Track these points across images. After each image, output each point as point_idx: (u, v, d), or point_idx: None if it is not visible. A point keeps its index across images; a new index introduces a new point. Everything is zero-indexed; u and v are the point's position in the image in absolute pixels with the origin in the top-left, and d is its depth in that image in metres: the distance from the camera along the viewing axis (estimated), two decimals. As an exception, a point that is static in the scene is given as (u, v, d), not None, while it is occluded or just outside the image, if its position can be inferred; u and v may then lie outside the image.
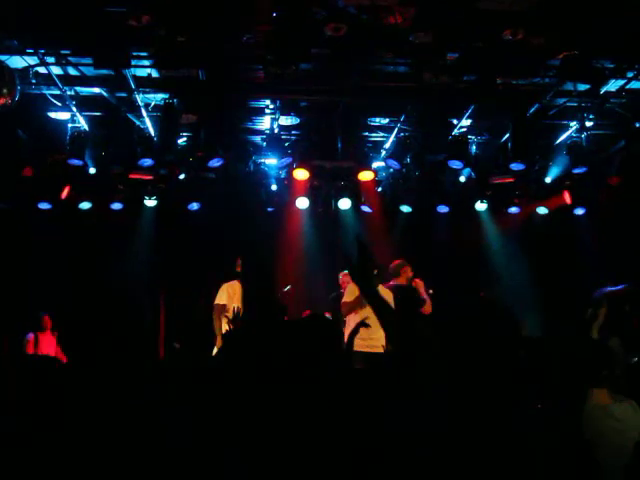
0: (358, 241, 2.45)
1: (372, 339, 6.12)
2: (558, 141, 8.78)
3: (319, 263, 9.66)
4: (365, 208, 9.82)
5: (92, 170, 8.47)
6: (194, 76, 7.23)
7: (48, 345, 8.21)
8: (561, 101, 7.88)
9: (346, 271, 7.86)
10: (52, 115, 8.12)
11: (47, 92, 7.46)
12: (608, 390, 2.88)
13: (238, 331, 2.05)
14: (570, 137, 8.56)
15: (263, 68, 6.93)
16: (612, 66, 6.93)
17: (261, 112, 8.47)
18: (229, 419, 1.86)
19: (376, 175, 9.40)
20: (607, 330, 5.91)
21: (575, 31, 6.16)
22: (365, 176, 9.13)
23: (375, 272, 7.14)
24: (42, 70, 7.01)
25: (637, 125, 8.00)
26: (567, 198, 9.52)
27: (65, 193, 9.02)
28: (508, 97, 7.64)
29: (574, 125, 8.40)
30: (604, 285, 6.52)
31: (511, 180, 8.95)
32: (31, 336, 8.33)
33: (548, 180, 9.12)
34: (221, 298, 7.37)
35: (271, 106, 8.15)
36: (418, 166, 8.95)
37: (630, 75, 7.12)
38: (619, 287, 6.59)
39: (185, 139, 8.80)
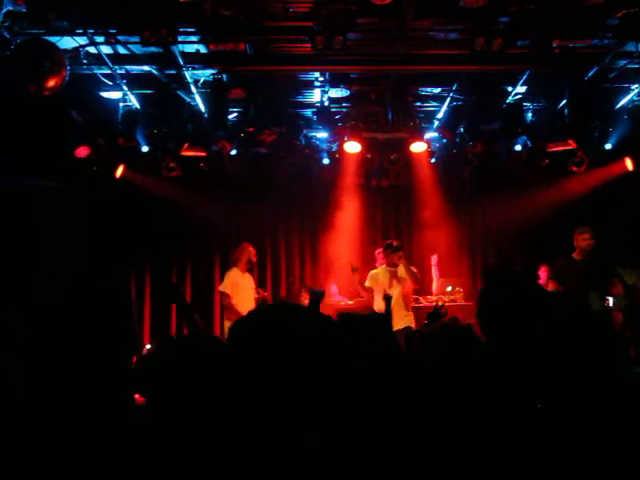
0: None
1: None
2: (619, 105, 8.47)
3: (372, 235, 10.01)
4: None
5: (145, 148, 8.59)
6: (241, 51, 7.25)
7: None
8: (622, 63, 7.54)
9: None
10: (104, 95, 8.22)
11: (98, 72, 7.50)
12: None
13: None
14: (632, 101, 8.33)
15: (310, 40, 6.76)
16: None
17: (310, 85, 8.44)
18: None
19: (429, 146, 9.31)
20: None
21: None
22: (417, 147, 9.04)
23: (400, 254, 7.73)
24: (92, 50, 7.05)
25: None
26: (629, 164, 9.22)
27: (120, 172, 9.20)
28: (565, 61, 7.49)
29: (636, 88, 8.12)
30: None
31: (570, 147, 8.67)
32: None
33: (608, 146, 8.84)
34: (225, 286, 8.09)
35: (320, 79, 8.11)
36: (472, 136, 8.79)
37: (695, 33, 6.70)
38: None
39: (235, 114, 8.86)
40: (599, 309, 6.65)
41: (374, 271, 8.07)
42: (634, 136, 8.53)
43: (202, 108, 8.44)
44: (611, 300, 6.82)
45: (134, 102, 8.28)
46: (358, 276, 8.02)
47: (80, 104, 7.94)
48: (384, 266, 7.97)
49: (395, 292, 7.62)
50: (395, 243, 7.91)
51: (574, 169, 9.02)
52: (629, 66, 7.62)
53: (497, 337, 2.23)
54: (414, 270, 7.90)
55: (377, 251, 8.82)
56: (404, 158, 9.50)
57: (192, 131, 8.57)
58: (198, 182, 9.47)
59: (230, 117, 8.70)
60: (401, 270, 7.78)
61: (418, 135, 8.96)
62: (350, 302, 9.02)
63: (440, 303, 5.62)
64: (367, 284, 7.89)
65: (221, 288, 8.19)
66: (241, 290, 8.05)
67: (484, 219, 10.39)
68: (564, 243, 7.97)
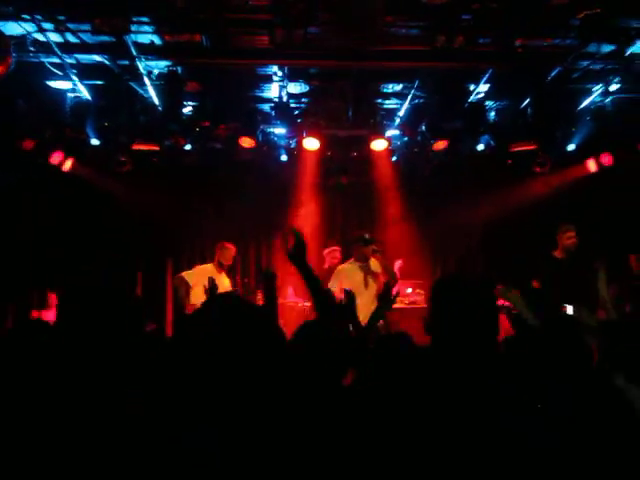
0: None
1: None
2: (581, 106, 8.60)
3: (330, 235, 10.05)
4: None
5: (95, 141, 8.48)
6: (198, 42, 7.14)
7: (53, 324, 8.20)
8: (584, 64, 7.62)
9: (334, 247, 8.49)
10: (52, 85, 8.09)
11: (46, 60, 7.30)
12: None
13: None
14: (594, 102, 8.45)
15: (269, 33, 6.82)
16: (639, 26, 6.68)
17: (269, 79, 8.35)
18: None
19: (390, 144, 9.31)
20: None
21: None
22: (378, 145, 9.05)
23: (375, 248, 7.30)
24: (40, 37, 6.88)
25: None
26: (592, 166, 9.40)
27: (68, 165, 9.04)
28: (527, 60, 7.52)
29: (598, 89, 8.21)
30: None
31: (532, 147, 8.80)
32: (34, 315, 8.38)
33: (571, 147, 8.99)
34: (190, 275, 7.85)
35: (279, 73, 8.02)
36: (434, 134, 8.86)
37: (659, 36, 6.80)
38: None
39: (191, 108, 8.80)
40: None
41: (342, 267, 7.47)
42: (596, 137, 8.68)
43: (156, 101, 8.33)
44: (569, 308, 6.70)
45: (84, 93, 8.15)
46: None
47: (27, 94, 7.80)
48: (352, 261, 7.46)
49: (371, 291, 7.14)
50: (367, 235, 7.44)
51: (537, 170, 9.12)
52: (591, 67, 7.69)
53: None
54: (388, 265, 7.49)
55: (326, 251, 8.66)
56: (364, 156, 9.54)
57: (145, 125, 8.51)
58: (150, 178, 9.41)
59: (185, 111, 8.64)
60: (374, 264, 7.30)
61: (379, 133, 8.98)
62: (307, 304, 8.71)
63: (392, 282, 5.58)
64: (333, 282, 7.25)
65: (184, 273, 7.97)
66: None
67: (446, 219, 10.33)
68: (530, 244, 8.05)
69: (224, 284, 7.98)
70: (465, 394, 1.98)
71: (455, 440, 1.88)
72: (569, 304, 6.59)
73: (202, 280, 7.72)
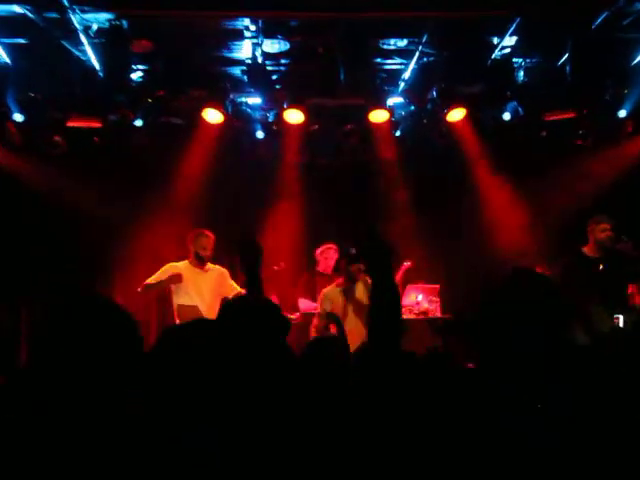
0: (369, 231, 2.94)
1: None
2: (636, 61, 8.20)
3: (321, 232, 9.30)
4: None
5: (18, 117, 8.10)
6: None
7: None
8: (639, 6, 7.16)
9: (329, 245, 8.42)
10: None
11: (-51, 13, 6.96)
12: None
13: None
14: None
15: None
16: None
17: (239, 36, 7.88)
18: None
19: (393, 114, 8.90)
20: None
21: None
22: (378, 117, 8.63)
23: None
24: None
25: None
26: None
27: None
28: (565, 4, 7.13)
29: (658, 38, 7.67)
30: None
31: (572, 115, 8.49)
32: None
33: (623, 113, 8.52)
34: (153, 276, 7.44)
35: (252, 27, 7.57)
36: (447, 101, 8.51)
37: None
38: None
39: (141, 74, 8.48)
40: (606, 331, 6.33)
41: (325, 291, 7.23)
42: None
43: (96, 65, 8.02)
44: (621, 319, 6.44)
45: (2, 55, 7.86)
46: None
47: None
48: (334, 285, 7.20)
49: (352, 322, 6.68)
50: (354, 250, 7.02)
51: (579, 143, 8.82)
52: (648, 9, 7.24)
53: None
54: None
55: (318, 251, 8.32)
56: (361, 130, 9.16)
57: (82, 95, 8.21)
58: (91, 162, 8.93)
59: (134, 77, 8.36)
60: (360, 290, 6.95)
61: (378, 101, 8.67)
62: (292, 317, 8.17)
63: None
64: (323, 308, 7.10)
65: (149, 280, 7.51)
66: (185, 287, 7.36)
67: (464, 209, 9.76)
68: (569, 238, 7.77)
69: (207, 283, 7.51)
70: (465, 394, 2.28)
71: (455, 440, 2.13)
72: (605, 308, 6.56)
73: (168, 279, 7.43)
